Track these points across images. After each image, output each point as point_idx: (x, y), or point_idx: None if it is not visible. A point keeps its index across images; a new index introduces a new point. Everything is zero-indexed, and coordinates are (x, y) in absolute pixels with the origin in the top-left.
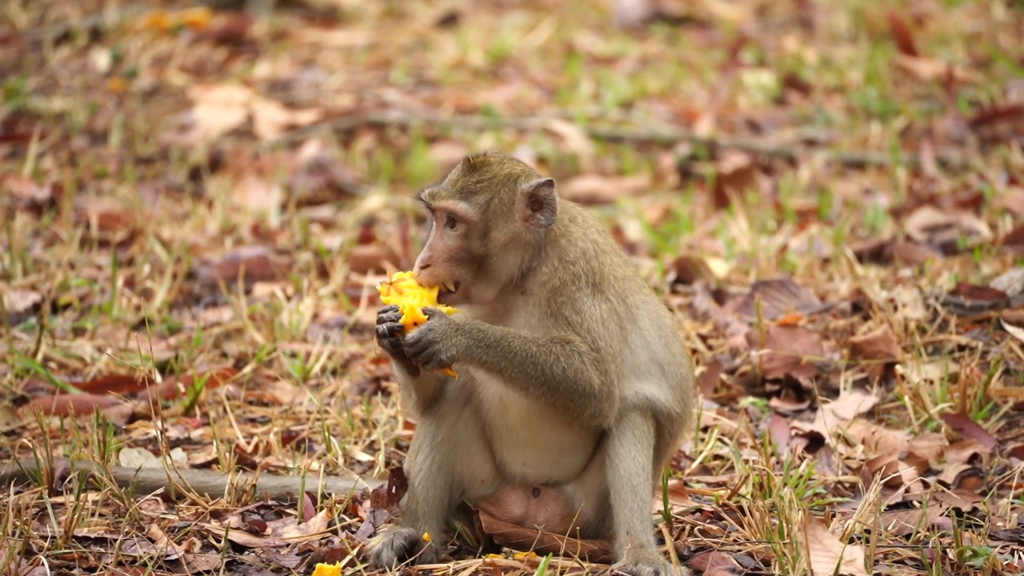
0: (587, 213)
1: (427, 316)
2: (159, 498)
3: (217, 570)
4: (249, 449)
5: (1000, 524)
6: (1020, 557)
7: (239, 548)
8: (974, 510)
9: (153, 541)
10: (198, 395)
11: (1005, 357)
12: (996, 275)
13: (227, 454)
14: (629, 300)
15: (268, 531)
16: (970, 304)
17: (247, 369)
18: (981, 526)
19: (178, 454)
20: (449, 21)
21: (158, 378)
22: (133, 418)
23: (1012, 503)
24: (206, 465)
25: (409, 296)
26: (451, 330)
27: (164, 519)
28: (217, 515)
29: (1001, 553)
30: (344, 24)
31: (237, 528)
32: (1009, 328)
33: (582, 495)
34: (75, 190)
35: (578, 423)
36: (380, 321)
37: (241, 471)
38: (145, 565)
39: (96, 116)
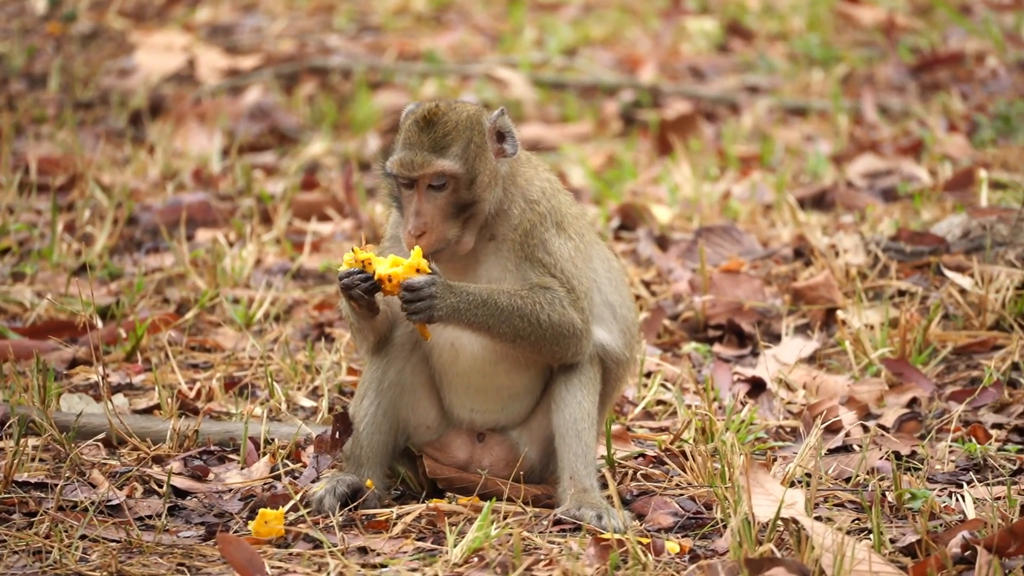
0: (531, 154)
1: (430, 271)
2: (100, 443)
3: (159, 515)
4: (191, 395)
5: (938, 467)
6: (958, 500)
7: (181, 493)
8: (913, 453)
9: (94, 486)
10: (140, 340)
11: (944, 302)
12: (936, 221)
13: (169, 400)
14: (585, 238)
15: (210, 476)
16: (910, 250)
17: (189, 315)
18: (920, 469)
19: (119, 399)
20: None
21: (99, 323)
22: (74, 363)
23: (950, 446)
24: (148, 411)
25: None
26: (445, 289)
27: (105, 464)
28: (159, 460)
29: (939, 496)
30: None
31: (179, 473)
32: (948, 273)
33: (527, 440)
34: (13, 134)
35: (556, 363)
36: (347, 277)
37: (183, 416)
38: (86, 510)
39: (34, 60)
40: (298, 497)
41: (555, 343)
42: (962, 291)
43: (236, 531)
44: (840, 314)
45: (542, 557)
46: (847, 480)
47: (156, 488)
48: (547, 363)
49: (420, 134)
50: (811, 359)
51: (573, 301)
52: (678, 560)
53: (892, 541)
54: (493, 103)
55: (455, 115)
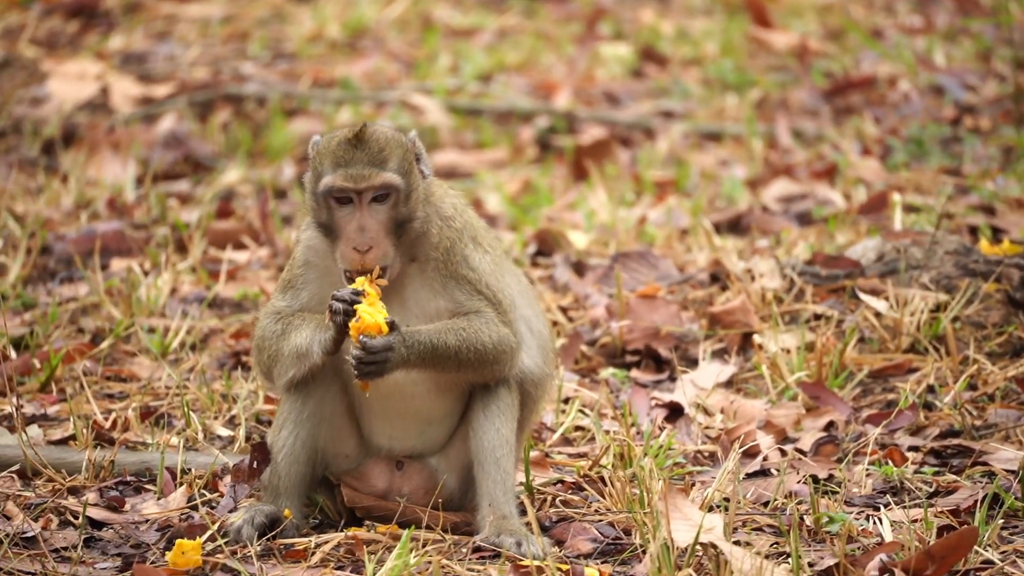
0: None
1: (389, 327)
2: (15, 475)
3: (75, 547)
4: (107, 425)
5: (855, 490)
6: (875, 522)
7: (97, 525)
8: (830, 477)
9: (9, 518)
10: (54, 371)
11: (859, 325)
12: (850, 244)
13: (84, 430)
14: (497, 251)
15: (127, 507)
16: (825, 273)
17: (104, 344)
18: (837, 492)
19: (34, 430)
20: None
21: (13, 354)
22: None
23: (867, 469)
24: (63, 441)
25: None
26: (400, 345)
27: (20, 496)
28: (75, 492)
29: (856, 519)
30: None
31: (95, 504)
32: (863, 297)
33: (446, 467)
34: None
35: (492, 381)
36: (338, 300)
37: (99, 447)
38: (1, 543)
39: None
40: (216, 527)
41: (495, 363)
42: (877, 314)
43: (153, 562)
44: (757, 338)
45: None
46: (765, 504)
47: (72, 520)
48: (481, 382)
49: (354, 151)
50: (728, 383)
51: (502, 316)
52: None
53: (810, 565)
54: (408, 130)
55: (382, 133)
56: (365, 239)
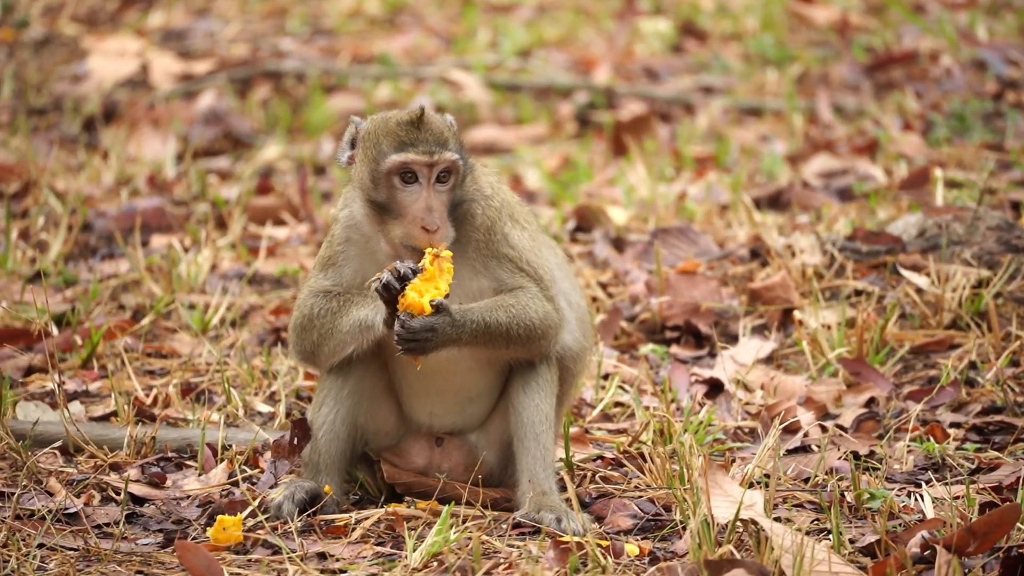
0: None
1: (435, 310)
2: (57, 451)
3: (117, 522)
4: (148, 401)
5: (897, 467)
6: (916, 499)
7: (139, 500)
8: (871, 453)
9: (51, 495)
10: (95, 347)
11: (901, 301)
12: (892, 220)
13: (126, 406)
14: (533, 226)
15: (168, 483)
16: (866, 249)
17: (145, 321)
18: (878, 469)
19: (76, 407)
20: None
21: (54, 331)
22: (29, 371)
23: (908, 446)
24: (105, 418)
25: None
26: (446, 324)
27: (62, 472)
28: (116, 468)
29: (898, 495)
30: None
31: (137, 480)
32: (905, 273)
33: (485, 443)
34: None
35: (536, 357)
36: (391, 273)
37: (140, 423)
38: (43, 519)
39: None
40: (256, 503)
41: (542, 338)
42: (918, 290)
43: (194, 538)
44: (797, 314)
45: (501, 561)
46: (806, 480)
47: (114, 496)
48: (526, 358)
49: (417, 132)
50: (768, 359)
51: (544, 291)
52: (638, 562)
53: (851, 541)
54: (448, 106)
55: (438, 116)
56: (434, 218)
